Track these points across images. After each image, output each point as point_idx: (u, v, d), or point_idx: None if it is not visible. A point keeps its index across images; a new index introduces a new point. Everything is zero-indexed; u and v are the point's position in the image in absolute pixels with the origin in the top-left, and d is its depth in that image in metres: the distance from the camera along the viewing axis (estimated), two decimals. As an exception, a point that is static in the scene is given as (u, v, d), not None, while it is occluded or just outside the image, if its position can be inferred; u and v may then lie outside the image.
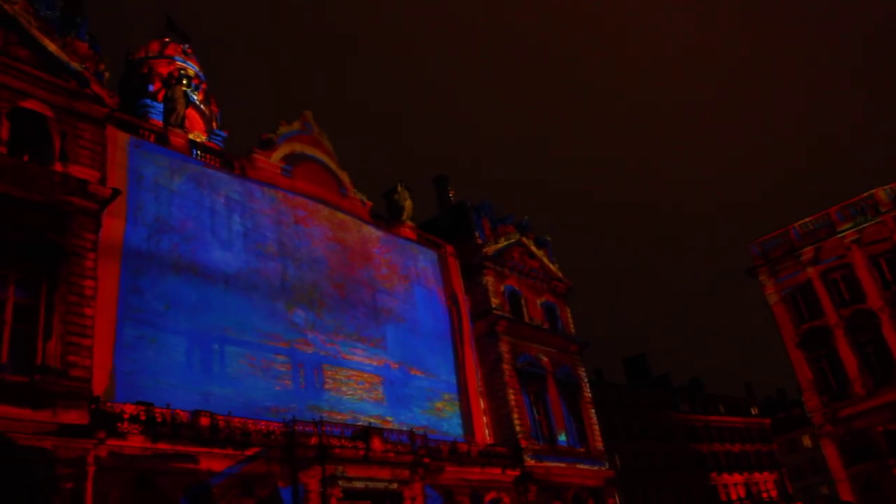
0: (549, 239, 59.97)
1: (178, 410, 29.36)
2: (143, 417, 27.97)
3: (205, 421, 29.89)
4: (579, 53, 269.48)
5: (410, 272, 47.82)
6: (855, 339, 45.36)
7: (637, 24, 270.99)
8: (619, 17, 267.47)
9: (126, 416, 27.45)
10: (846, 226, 46.86)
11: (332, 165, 46.04)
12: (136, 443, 27.38)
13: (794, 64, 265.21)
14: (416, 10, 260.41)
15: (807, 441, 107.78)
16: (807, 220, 49.01)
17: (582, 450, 51.40)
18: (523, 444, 46.16)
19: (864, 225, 46.21)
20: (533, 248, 56.89)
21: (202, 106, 49.92)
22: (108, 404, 27.40)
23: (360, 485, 34.90)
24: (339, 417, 37.04)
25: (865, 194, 46.89)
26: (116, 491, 26.38)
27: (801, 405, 61.74)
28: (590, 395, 55.60)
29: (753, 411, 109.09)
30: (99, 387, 27.72)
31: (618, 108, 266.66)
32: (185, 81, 47.59)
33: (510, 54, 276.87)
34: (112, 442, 26.61)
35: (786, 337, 48.46)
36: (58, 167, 28.61)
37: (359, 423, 37.06)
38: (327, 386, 38.54)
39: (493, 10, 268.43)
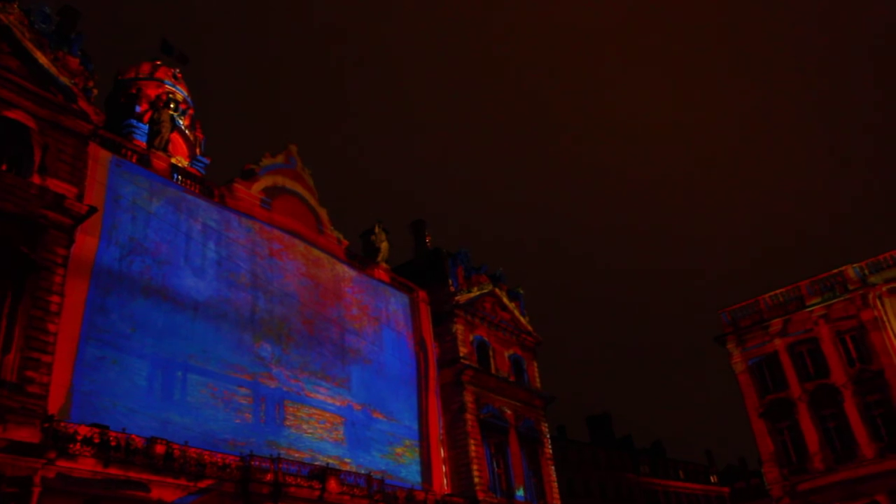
0: (521, 292, 60.17)
1: (133, 435, 28.76)
2: (96, 440, 27.34)
3: (160, 448, 29.29)
4: (563, 113, 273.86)
5: (381, 314, 47.64)
6: (818, 413, 45.66)
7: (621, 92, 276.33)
8: (609, 82, 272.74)
9: (79, 438, 26.81)
10: (815, 300, 47.52)
11: (312, 201, 46.09)
12: (86, 465, 26.70)
13: (781, 141, 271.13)
14: (415, 63, 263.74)
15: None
16: (777, 291, 49.72)
17: (540, 506, 50.86)
18: (481, 496, 45.62)
19: (833, 301, 46.87)
20: (505, 300, 56.99)
21: (187, 131, 49.95)
22: (63, 424, 26.76)
23: (312, 526, 34.22)
24: (297, 455, 36.49)
25: (835, 270, 47.63)
26: (62, 514, 25.64)
27: (760, 476, 61.69)
28: (551, 451, 55.25)
29: (713, 479, 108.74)
30: (54, 405, 27.11)
31: (598, 171, 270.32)
32: (172, 105, 47.71)
33: (504, 110, 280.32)
34: (62, 463, 25.91)
35: (749, 406, 48.67)
36: (36, 179, 28.39)
37: (316, 463, 36.51)
38: (288, 422, 38.00)
39: (490, 61, 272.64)
